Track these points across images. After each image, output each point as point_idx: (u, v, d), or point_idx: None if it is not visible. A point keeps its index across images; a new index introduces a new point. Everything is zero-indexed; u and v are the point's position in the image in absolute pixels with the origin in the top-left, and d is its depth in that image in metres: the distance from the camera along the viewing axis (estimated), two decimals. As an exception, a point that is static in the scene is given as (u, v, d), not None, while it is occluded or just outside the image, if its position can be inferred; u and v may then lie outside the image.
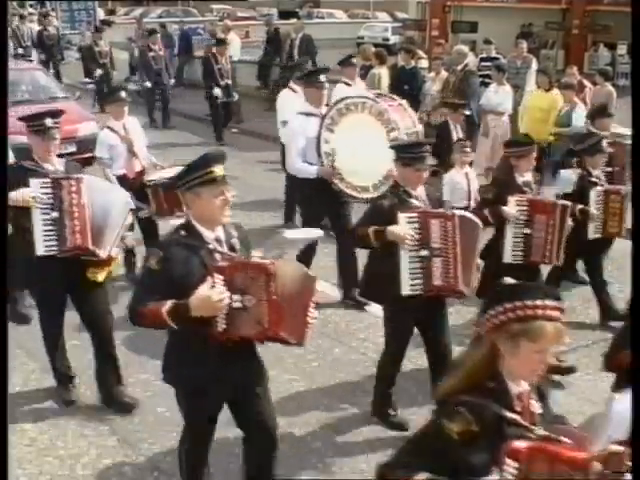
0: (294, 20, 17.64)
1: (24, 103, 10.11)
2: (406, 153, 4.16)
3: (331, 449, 4.25)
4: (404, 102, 5.99)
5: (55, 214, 4.17)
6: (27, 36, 18.38)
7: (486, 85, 9.95)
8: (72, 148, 9.62)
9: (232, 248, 3.13)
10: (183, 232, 3.08)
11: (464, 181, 6.43)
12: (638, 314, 2.98)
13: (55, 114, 4.39)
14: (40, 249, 4.17)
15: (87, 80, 18.13)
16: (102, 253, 4.28)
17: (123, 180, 6.02)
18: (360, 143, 5.52)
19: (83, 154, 9.20)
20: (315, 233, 4.68)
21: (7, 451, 3.50)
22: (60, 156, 10.16)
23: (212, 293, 2.85)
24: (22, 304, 5.69)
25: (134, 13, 30.74)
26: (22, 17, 19.43)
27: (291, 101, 7.44)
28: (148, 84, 13.46)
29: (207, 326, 2.95)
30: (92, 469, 4.04)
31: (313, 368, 5.08)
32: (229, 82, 12.14)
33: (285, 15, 32.49)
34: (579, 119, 8.33)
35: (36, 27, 19.51)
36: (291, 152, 5.94)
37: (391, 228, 3.98)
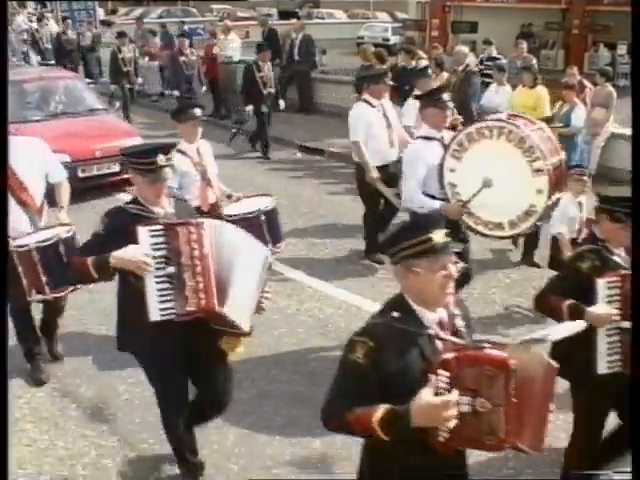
0: (294, 20, 17.63)
1: (60, 116, 9.65)
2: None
3: (331, 449, 4.25)
4: (543, 125, 4.95)
5: (171, 269, 3.29)
6: (46, 39, 17.62)
7: (487, 85, 9.94)
8: (115, 167, 8.97)
9: (455, 332, 2.49)
10: (395, 313, 2.41)
11: (577, 212, 5.96)
12: (638, 314, 2.98)
13: (167, 149, 3.51)
14: (154, 313, 3.30)
15: (88, 81, 18.16)
16: (232, 315, 3.38)
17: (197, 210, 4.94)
18: (494, 174, 4.59)
19: (128, 173, 8.77)
20: (578, 326, 3.21)
21: (7, 451, 3.51)
22: (103, 177, 8.82)
23: (439, 402, 2.21)
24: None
25: (134, 13, 30.75)
26: (40, 19, 18.38)
27: (367, 116, 6.66)
28: (176, 92, 12.65)
29: (425, 436, 2.32)
30: (92, 469, 4.04)
31: (313, 368, 5.08)
32: (272, 91, 11.02)
33: (285, 15, 32.52)
34: (579, 119, 8.33)
35: (54, 29, 19.31)
36: (409, 182, 4.98)
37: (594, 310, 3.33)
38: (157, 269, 3.28)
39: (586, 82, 10.19)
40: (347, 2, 39.02)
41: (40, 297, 4.37)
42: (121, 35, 14.12)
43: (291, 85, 14.59)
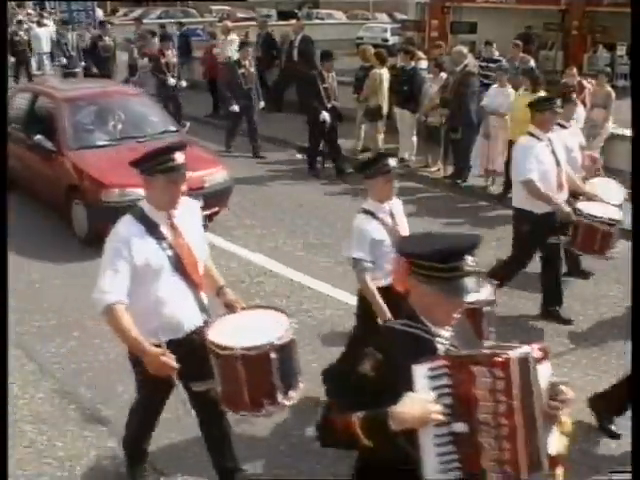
0: (293, 21, 17.63)
1: (128, 141, 8.00)
2: None
3: (331, 449, 4.24)
4: None
5: (461, 427, 2.17)
6: (72, 45, 16.32)
7: (487, 86, 9.94)
8: (200, 204, 7.95)
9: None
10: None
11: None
12: (638, 314, 2.98)
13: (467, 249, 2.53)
14: None
15: (12, 60, 18.20)
16: None
17: (390, 294, 3.65)
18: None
19: (211, 209, 7.52)
20: None
21: (7, 452, 3.50)
22: None
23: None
24: None
25: (133, 14, 30.76)
26: (65, 22, 17.45)
27: (536, 151, 5.65)
28: (236, 108, 11.28)
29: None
30: (91, 470, 4.04)
31: (313, 368, 5.07)
32: (336, 104, 10.38)
33: (284, 16, 32.54)
34: (578, 120, 8.32)
35: (51, 30, 19.13)
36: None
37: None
38: (437, 426, 2.17)
39: (585, 83, 10.20)
40: (346, 3, 39.04)
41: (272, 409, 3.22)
42: (242, 45, 13.27)
43: (290, 86, 14.58)
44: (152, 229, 3.27)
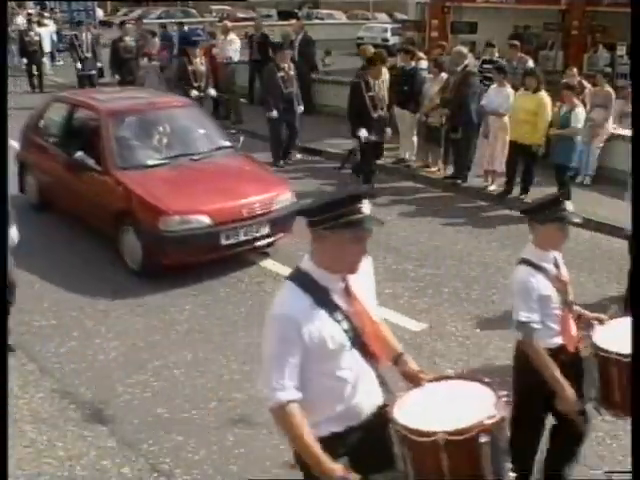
0: (293, 21, 17.63)
1: (182, 159, 7.18)
2: None
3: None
4: None
5: None
6: (86, 45, 15.30)
7: (487, 87, 9.94)
8: (265, 229, 6.71)
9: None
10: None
11: None
12: (638, 313, 2.98)
13: None
14: None
15: (24, 61, 18.15)
16: None
17: (558, 355, 3.43)
18: None
19: (276, 236, 6.94)
20: None
21: (7, 452, 3.50)
22: (249, 242, 6.59)
23: None
24: None
25: (133, 14, 30.79)
26: (79, 23, 16.43)
27: None
28: (274, 114, 10.41)
29: None
30: (91, 470, 4.03)
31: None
32: (383, 114, 9.35)
33: (284, 16, 32.57)
34: (578, 120, 8.34)
35: (52, 29, 18.89)
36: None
37: None
38: None
39: (585, 83, 10.21)
40: (346, 3, 39.07)
41: None
42: (280, 47, 13.40)
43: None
44: (323, 298, 2.58)
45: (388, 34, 28.64)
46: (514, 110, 8.89)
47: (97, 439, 4.28)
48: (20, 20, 22.48)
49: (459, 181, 9.72)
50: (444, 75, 9.95)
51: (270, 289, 5.77)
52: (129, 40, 14.80)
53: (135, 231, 6.51)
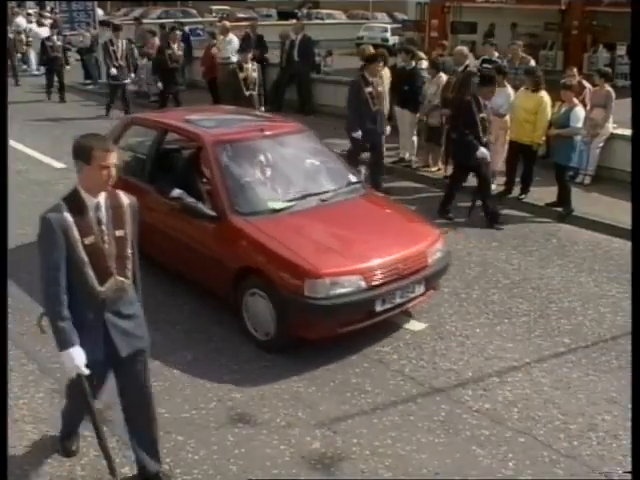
0: (293, 21, 17.63)
1: (307, 200, 5.81)
2: None
3: (331, 449, 4.25)
4: None
5: None
6: (122, 52, 13.94)
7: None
8: (420, 288, 5.49)
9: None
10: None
11: None
12: (638, 312, 2.98)
13: None
14: None
15: (87, 82, 18.16)
16: None
17: None
18: None
19: (427, 294, 5.76)
20: None
21: (7, 452, 3.50)
22: (405, 303, 5.40)
23: None
24: None
25: (133, 14, 30.78)
26: (116, 28, 14.61)
27: None
28: (359, 134, 8.85)
29: None
30: (91, 470, 4.03)
31: (312, 369, 5.08)
32: (380, 109, 9.01)
33: (284, 16, 32.57)
34: (578, 120, 8.33)
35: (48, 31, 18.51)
36: None
37: None
38: None
39: (585, 83, 10.20)
40: (346, 3, 39.06)
41: None
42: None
43: (291, 86, 14.60)
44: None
45: (388, 34, 28.67)
46: (514, 110, 8.90)
47: (97, 439, 4.27)
48: (20, 20, 22.51)
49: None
50: (442, 75, 9.95)
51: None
52: (177, 49, 13.72)
53: (267, 296, 5.15)
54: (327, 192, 6.00)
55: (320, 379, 4.99)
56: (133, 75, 14.49)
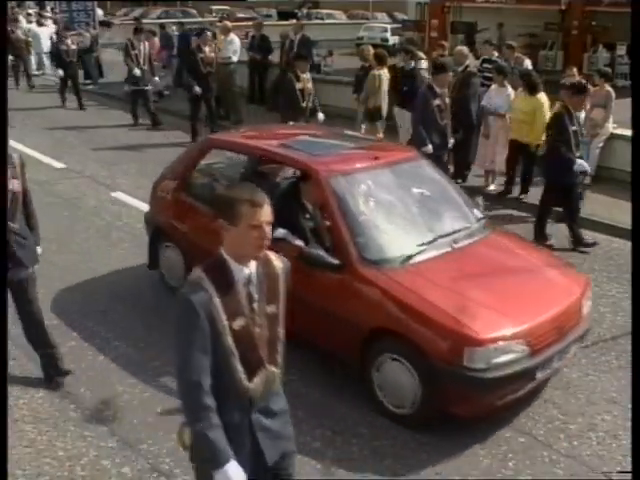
0: (293, 21, 17.63)
1: (440, 241, 4.87)
2: None
3: (331, 449, 4.25)
4: None
5: None
6: (144, 55, 13.04)
7: (487, 87, 9.94)
8: (572, 349, 4.72)
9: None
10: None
11: None
12: (638, 312, 2.98)
13: None
14: None
15: (87, 82, 18.14)
16: None
17: None
18: None
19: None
20: None
21: (7, 452, 3.50)
22: (558, 369, 4.66)
23: None
24: None
25: (133, 14, 30.79)
26: (138, 30, 13.72)
27: None
28: (429, 148, 7.81)
29: None
30: (91, 470, 4.03)
31: (313, 369, 5.08)
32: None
33: (284, 16, 32.58)
34: (581, 120, 8.33)
35: (52, 31, 18.05)
36: None
37: None
38: None
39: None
40: (346, 3, 39.07)
41: None
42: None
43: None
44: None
45: (388, 34, 28.68)
46: (513, 110, 8.91)
47: (97, 439, 4.28)
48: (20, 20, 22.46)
49: (459, 181, 9.71)
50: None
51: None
52: (208, 51, 12.17)
53: (409, 364, 4.30)
54: (457, 232, 5.06)
55: (321, 379, 4.97)
56: (157, 79, 13.69)
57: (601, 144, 9.74)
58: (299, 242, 4.82)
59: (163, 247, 6.17)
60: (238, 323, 2.56)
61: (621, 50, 18.89)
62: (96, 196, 9.01)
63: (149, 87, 13.24)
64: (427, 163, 5.87)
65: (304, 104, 9.48)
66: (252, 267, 2.62)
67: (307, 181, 5.15)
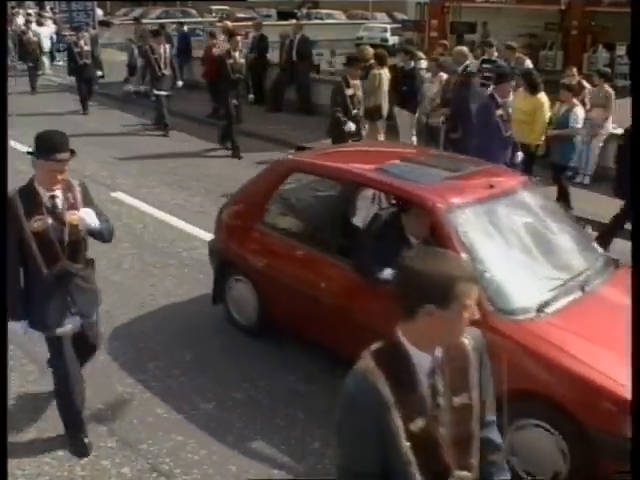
0: (293, 21, 17.63)
1: (569, 291, 4.20)
2: None
3: (331, 449, 4.25)
4: None
5: None
6: (165, 61, 12.48)
7: (487, 87, 9.94)
8: None
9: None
10: None
11: None
12: (638, 312, 2.98)
13: None
14: None
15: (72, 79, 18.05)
16: None
17: None
18: None
19: None
20: None
21: (6, 452, 3.50)
22: None
23: None
24: None
25: (133, 14, 30.78)
26: (157, 32, 13.32)
27: None
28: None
29: None
30: (91, 470, 4.03)
31: (313, 369, 5.08)
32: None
33: (284, 16, 32.57)
34: (577, 120, 8.34)
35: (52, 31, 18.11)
36: None
37: None
38: None
39: (585, 83, 10.22)
40: (346, 3, 39.05)
41: None
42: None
43: (290, 86, 14.61)
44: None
45: (388, 34, 28.69)
46: (513, 110, 8.89)
47: (97, 439, 4.28)
48: (19, 20, 22.47)
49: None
50: (443, 75, 9.95)
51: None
52: (238, 57, 11.25)
53: (556, 431, 3.73)
54: (584, 272, 4.46)
55: (321, 379, 4.97)
56: (181, 83, 13.09)
57: (601, 144, 9.75)
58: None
59: (232, 280, 5.50)
60: (417, 424, 2.04)
61: (621, 50, 18.90)
62: (96, 196, 8.92)
63: (168, 93, 12.70)
64: (538, 189, 5.25)
65: (355, 112, 8.85)
66: (438, 353, 2.10)
67: (413, 213, 4.46)
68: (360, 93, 9.06)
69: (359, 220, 5.46)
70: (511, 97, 8.15)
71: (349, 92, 8.79)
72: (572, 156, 8.30)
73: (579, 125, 8.35)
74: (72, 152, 3.82)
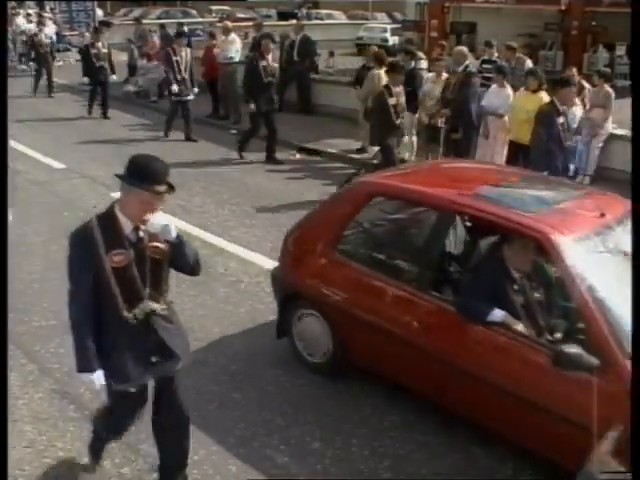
0: (293, 21, 17.62)
1: None
2: None
3: (331, 449, 4.25)
4: None
5: None
6: (186, 64, 12.00)
7: (487, 87, 9.96)
8: None
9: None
10: None
11: None
12: (638, 313, 2.97)
13: None
14: None
15: (85, 81, 18.12)
16: None
17: None
18: None
19: None
20: None
21: (7, 452, 3.50)
22: None
23: None
24: None
25: (133, 14, 30.78)
26: (180, 34, 13.13)
27: None
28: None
29: None
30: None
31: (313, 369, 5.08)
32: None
33: (284, 16, 32.57)
34: (574, 119, 8.34)
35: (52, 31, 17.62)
36: None
37: None
38: None
39: (585, 83, 10.22)
40: (346, 3, 39.04)
41: None
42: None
43: (290, 86, 14.62)
44: None
45: (388, 34, 28.68)
46: (514, 110, 8.91)
47: (97, 439, 4.27)
48: (19, 20, 22.48)
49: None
50: (445, 75, 9.96)
51: (269, 289, 5.74)
52: (270, 59, 10.65)
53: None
54: None
55: (321, 379, 4.96)
56: (196, 90, 12.32)
57: (601, 144, 9.75)
58: (520, 327, 3.92)
59: (300, 314, 4.96)
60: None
61: (621, 50, 18.89)
62: (96, 196, 9.00)
63: (190, 97, 12.11)
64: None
65: (398, 121, 8.44)
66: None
67: (518, 244, 4.11)
68: (403, 100, 8.62)
69: (449, 250, 4.91)
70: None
71: (392, 101, 8.29)
72: (572, 156, 8.29)
73: (575, 125, 8.35)
74: (170, 187, 3.25)
